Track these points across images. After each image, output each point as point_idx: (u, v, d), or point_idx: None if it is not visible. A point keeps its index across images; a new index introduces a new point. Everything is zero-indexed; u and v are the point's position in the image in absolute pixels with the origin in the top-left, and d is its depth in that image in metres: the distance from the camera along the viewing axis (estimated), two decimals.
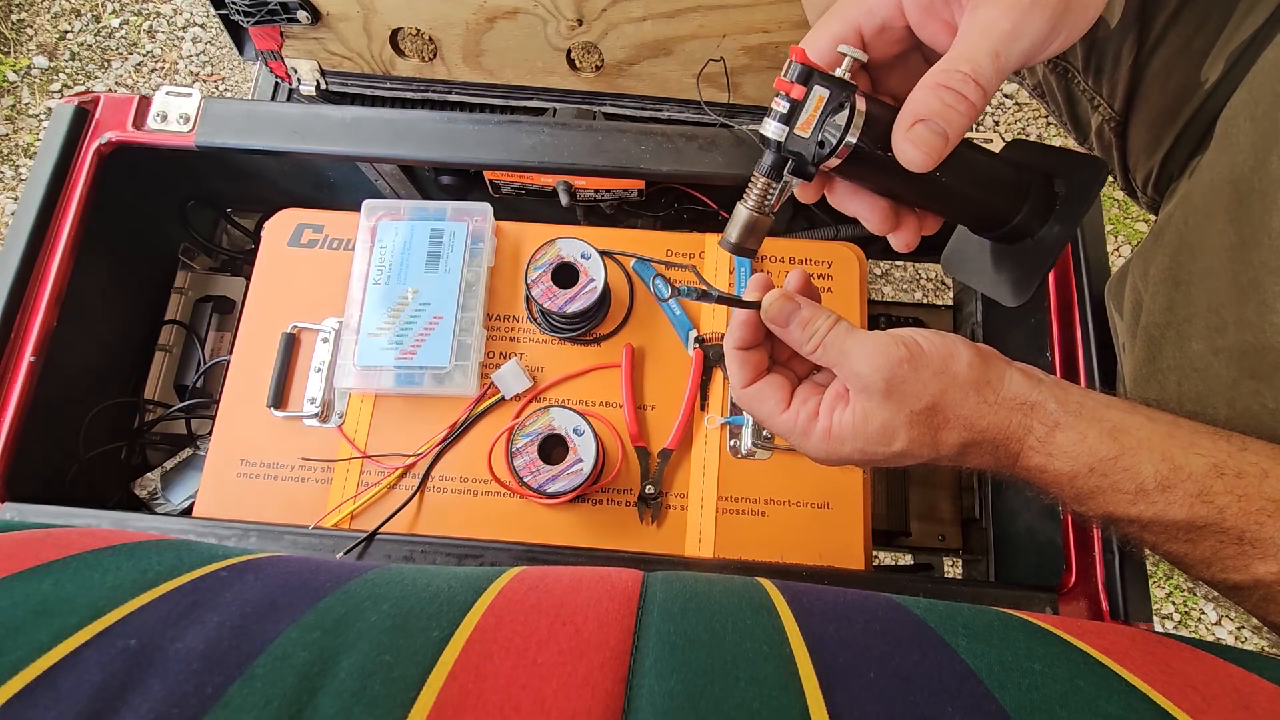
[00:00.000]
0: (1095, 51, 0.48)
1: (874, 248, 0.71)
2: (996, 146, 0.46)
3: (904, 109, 0.31)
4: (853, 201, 0.38)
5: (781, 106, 0.33)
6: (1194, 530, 0.32)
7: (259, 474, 0.56)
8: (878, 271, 1.35)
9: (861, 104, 0.32)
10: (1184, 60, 0.44)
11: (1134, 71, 0.47)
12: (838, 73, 0.33)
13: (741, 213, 0.36)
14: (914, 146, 0.31)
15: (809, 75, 0.32)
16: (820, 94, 0.32)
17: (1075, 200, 0.38)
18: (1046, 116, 1.44)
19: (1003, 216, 0.39)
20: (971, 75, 0.30)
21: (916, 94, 0.31)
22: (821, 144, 0.33)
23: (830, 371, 0.38)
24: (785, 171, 0.34)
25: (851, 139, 0.33)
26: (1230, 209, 0.36)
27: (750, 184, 0.36)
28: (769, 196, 0.36)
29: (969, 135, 0.59)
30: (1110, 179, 0.55)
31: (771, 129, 0.33)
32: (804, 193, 0.37)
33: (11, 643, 0.20)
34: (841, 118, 0.33)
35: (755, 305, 0.37)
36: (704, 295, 0.36)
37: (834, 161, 0.34)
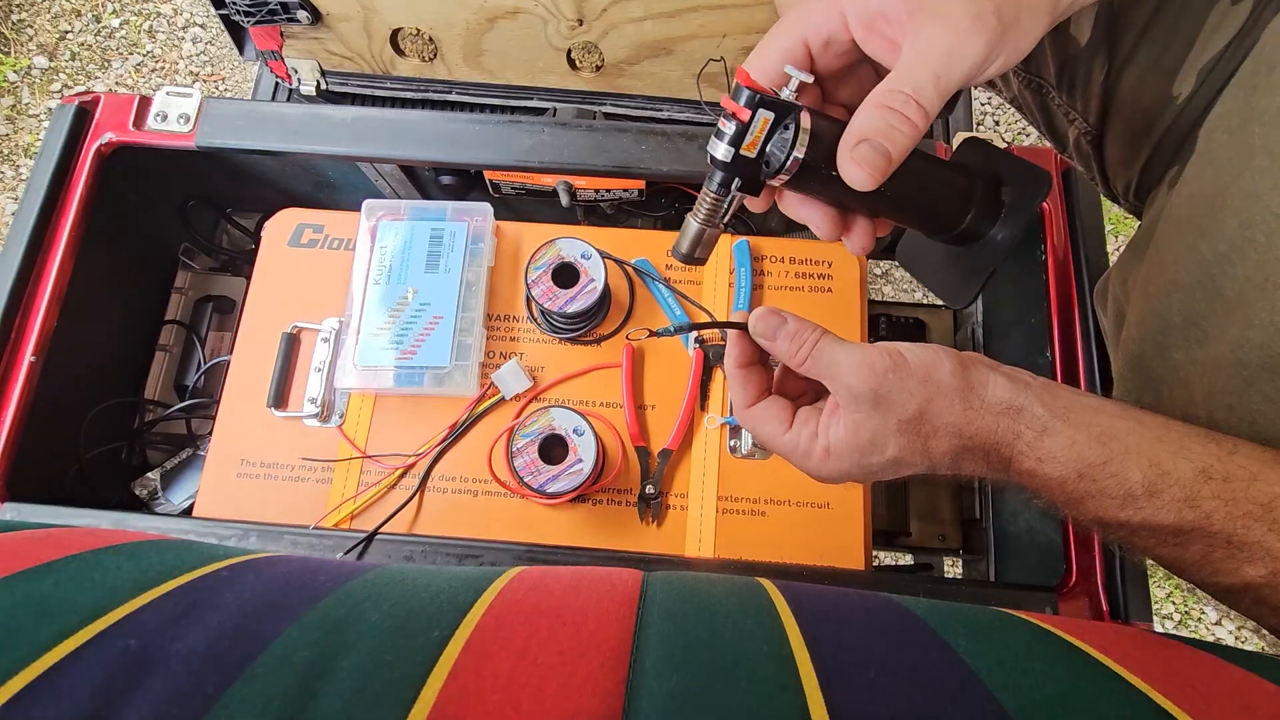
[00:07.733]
0: (1068, 68, 0.48)
1: (875, 247, 0.71)
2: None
3: (848, 129, 0.32)
4: (802, 210, 0.38)
5: (728, 128, 0.33)
6: (1182, 534, 0.32)
7: (259, 474, 0.56)
8: (878, 271, 1.35)
9: (807, 122, 0.33)
10: (1155, 76, 0.44)
11: (1106, 87, 0.47)
12: (784, 94, 0.33)
13: (692, 226, 0.37)
14: (857, 166, 0.32)
15: (754, 98, 0.33)
16: (765, 116, 0.33)
17: (1019, 209, 0.39)
18: None
19: (950, 222, 0.40)
20: (913, 96, 0.31)
21: (860, 114, 0.32)
22: (768, 162, 0.34)
23: (826, 397, 0.38)
24: (733, 188, 0.35)
25: (798, 154, 0.33)
26: (1208, 223, 0.36)
27: (699, 199, 0.36)
28: (718, 210, 0.36)
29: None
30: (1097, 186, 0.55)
31: (720, 150, 0.34)
32: (754, 204, 0.38)
33: (11, 643, 0.20)
34: (787, 137, 0.33)
35: (741, 325, 0.38)
36: (691, 327, 0.39)
37: (781, 178, 0.34)
